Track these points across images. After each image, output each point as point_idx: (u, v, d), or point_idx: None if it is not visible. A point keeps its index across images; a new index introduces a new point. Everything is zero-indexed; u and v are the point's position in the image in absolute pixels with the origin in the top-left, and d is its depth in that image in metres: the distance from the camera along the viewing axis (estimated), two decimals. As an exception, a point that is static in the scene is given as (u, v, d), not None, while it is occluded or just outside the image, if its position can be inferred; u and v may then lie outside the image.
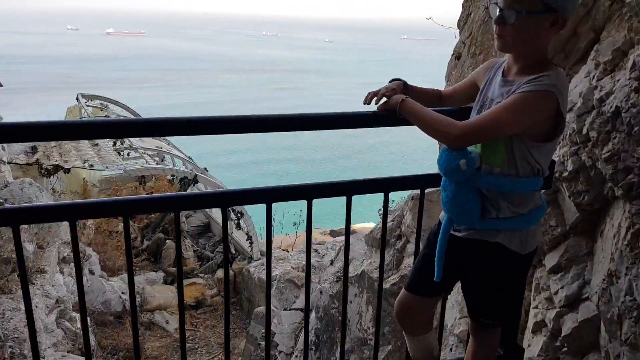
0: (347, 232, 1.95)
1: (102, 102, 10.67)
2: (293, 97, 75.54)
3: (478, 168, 1.64)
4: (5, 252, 4.12)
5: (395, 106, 1.70)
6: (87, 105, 9.93)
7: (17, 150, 7.49)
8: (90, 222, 7.54)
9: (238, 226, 7.58)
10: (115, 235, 8.26)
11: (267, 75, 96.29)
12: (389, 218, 4.01)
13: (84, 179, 8.74)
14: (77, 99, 10.21)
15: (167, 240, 7.98)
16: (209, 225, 9.05)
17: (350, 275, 4.21)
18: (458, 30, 3.53)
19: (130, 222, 7.80)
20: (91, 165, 6.06)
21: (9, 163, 5.68)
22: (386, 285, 3.60)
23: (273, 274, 6.78)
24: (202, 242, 8.85)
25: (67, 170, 6.17)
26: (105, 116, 9.12)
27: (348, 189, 1.83)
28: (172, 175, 6.50)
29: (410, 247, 3.67)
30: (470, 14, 3.31)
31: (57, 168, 6.00)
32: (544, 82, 1.49)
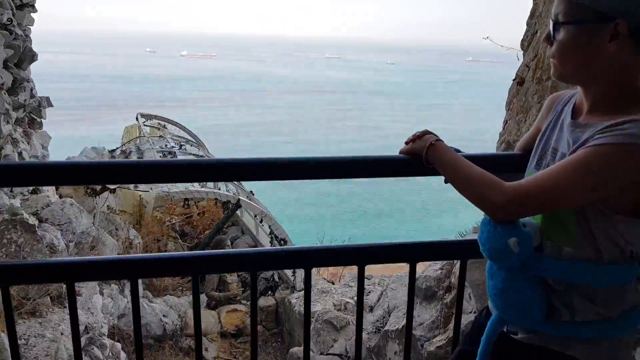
0: (359, 309, 1.52)
1: (160, 121, 10.91)
2: (353, 118, 75.72)
3: (538, 248, 1.16)
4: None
5: (422, 150, 1.27)
6: (144, 125, 10.15)
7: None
8: (137, 240, 7.52)
9: (280, 254, 7.30)
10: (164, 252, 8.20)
11: (328, 97, 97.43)
12: (437, 266, 3.50)
13: (140, 196, 8.83)
14: (137, 118, 10.48)
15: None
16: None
17: (391, 328, 3.72)
18: (521, 52, 3.04)
19: (180, 240, 7.65)
20: (135, 185, 5.97)
21: (54, 183, 5.71)
22: (431, 348, 3.07)
23: (313, 309, 6.38)
24: (247, 268, 8.62)
25: (113, 191, 6.14)
26: (160, 136, 9.24)
27: (359, 256, 1.42)
28: (216, 199, 6.33)
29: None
30: (537, 32, 2.82)
31: (104, 188, 5.96)
32: (629, 130, 1.01)
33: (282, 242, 6.78)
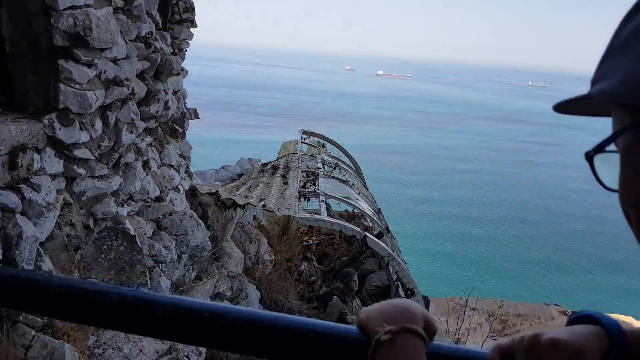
0: None
1: (320, 140, 10.97)
2: (552, 152, 68.30)
3: None
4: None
5: None
6: (303, 142, 10.27)
7: (223, 175, 8.08)
8: (268, 255, 7.46)
9: (407, 304, 6.43)
10: (294, 273, 8.03)
11: (525, 127, 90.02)
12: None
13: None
14: (299, 134, 10.71)
15: (333, 297, 7.32)
16: (389, 288, 8.08)
17: None
18: None
19: (315, 262, 7.33)
20: (264, 206, 5.84)
21: (191, 189, 5.90)
22: None
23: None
24: (377, 307, 7.92)
25: (243, 207, 6.13)
26: (312, 155, 9.20)
27: None
28: (340, 231, 5.85)
29: None
30: None
31: (234, 203, 5.99)
32: None
33: (409, 292, 5.95)
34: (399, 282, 6.30)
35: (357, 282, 7.37)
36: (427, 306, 8.99)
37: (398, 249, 7.75)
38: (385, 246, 5.91)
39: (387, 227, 7.51)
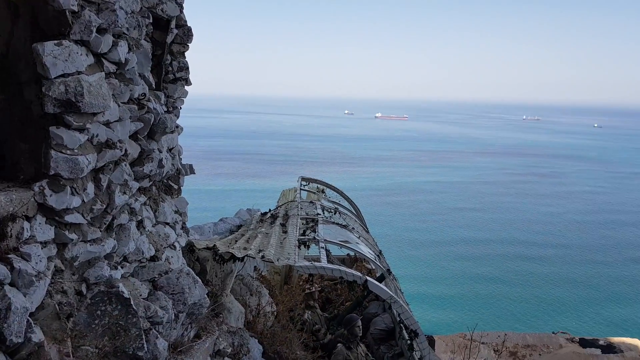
0: None
1: (319, 185, 10.98)
2: (549, 183, 68.23)
3: None
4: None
5: None
6: (302, 189, 10.27)
7: (222, 228, 8.01)
8: (270, 307, 7.29)
9: (410, 348, 6.19)
10: (297, 323, 7.81)
11: (521, 159, 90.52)
12: None
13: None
14: (298, 181, 10.72)
15: (338, 344, 7.10)
16: (394, 331, 7.85)
17: None
18: None
19: (319, 310, 7.18)
20: (263, 257, 5.76)
21: (188, 245, 5.83)
22: None
23: None
24: (383, 351, 7.65)
25: (242, 259, 6.04)
26: (311, 202, 9.16)
27: None
28: (341, 277, 5.74)
29: None
30: None
31: (232, 257, 5.91)
32: None
33: (412, 334, 5.76)
34: (402, 325, 6.13)
35: (361, 327, 7.18)
36: (432, 345, 8.73)
37: (400, 290, 7.60)
38: (387, 289, 5.78)
39: (388, 269, 7.39)
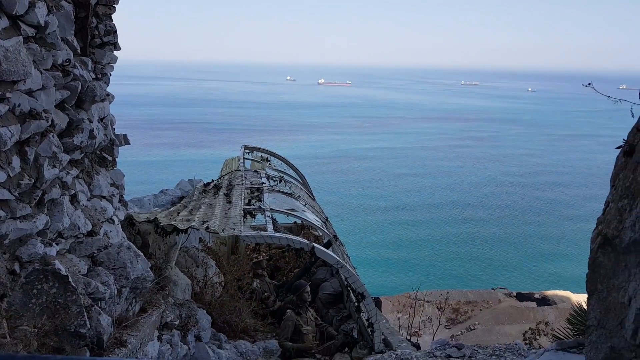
0: None
1: (263, 154, 10.87)
2: (486, 146, 71.31)
3: None
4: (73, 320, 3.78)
5: None
6: (245, 158, 10.13)
7: (163, 200, 7.81)
8: (217, 277, 7.26)
9: (358, 310, 6.43)
10: (246, 292, 7.85)
11: (462, 124, 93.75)
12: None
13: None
14: (241, 150, 10.55)
15: (287, 310, 7.23)
16: (342, 295, 8.08)
17: None
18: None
19: (267, 278, 7.22)
20: (207, 228, 5.69)
21: (128, 219, 5.66)
22: None
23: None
24: (331, 314, 7.88)
25: (185, 231, 5.94)
26: (255, 171, 9.09)
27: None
28: (288, 245, 5.80)
29: None
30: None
31: (175, 229, 5.79)
32: None
33: (359, 296, 5.97)
34: (349, 288, 6.33)
35: (309, 292, 7.33)
36: (379, 306, 9.09)
37: (347, 256, 7.80)
38: (334, 255, 5.91)
39: (335, 236, 7.53)
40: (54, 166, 3.76)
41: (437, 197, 44.01)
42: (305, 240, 5.80)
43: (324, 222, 8.22)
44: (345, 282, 6.27)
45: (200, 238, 8.63)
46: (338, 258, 5.81)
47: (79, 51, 4.32)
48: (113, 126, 5.25)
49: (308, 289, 7.26)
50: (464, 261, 31.32)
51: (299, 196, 8.28)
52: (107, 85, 4.99)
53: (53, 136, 3.74)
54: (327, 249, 6.85)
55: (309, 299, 7.35)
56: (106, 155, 4.95)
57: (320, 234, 8.21)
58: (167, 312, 5.81)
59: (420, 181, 50.01)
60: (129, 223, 5.71)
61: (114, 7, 5.24)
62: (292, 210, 7.26)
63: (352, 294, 6.29)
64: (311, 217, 7.36)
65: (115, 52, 5.21)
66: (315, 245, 5.76)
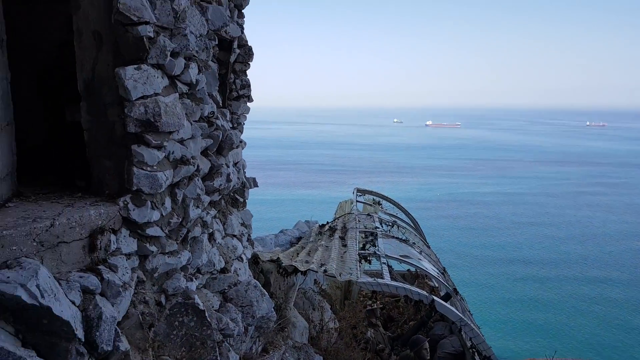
0: None
1: (375, 197, 10.91)
2: (619, 194, 64.03)
3: None
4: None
5: None
6: (358, 201, 10.25)
7: (282, 240, 8.13)
8: (332, 322, 7.27)
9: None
10: (360, 341, 7.72)
11: (588, 168, 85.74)
12: None
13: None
14: (354, 193, 10.71)
15: (403, 364, 6.95)
16: (464, 356, 7.58)
17: None
18: None
19: (381, 328, 7.08)
20: (325, 271, 5.79)
21: (253, 257, 5.96)
22: None
23: None
24: (451, 375, 7.40)
25: (304, 273, 6.09)
26: (368, 214, 9.13)
27: None
28: (406, 296, 5.63)
29: None
30: None
31: (295, 270, 5.97)
32: None
33: (485, 359, 5.53)
34: (474, 350, 5.90)
35: (428, 350, 6.95)
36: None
37: (469, 312, 7.32)
38: (455, 310, 5.61)
39: (454, 289, 7.16)
40: (198, 207, 4.13)
41: (564, 251, 40.02)
42: (425, 292, 5.60)
43: (442, 273, 7.90)
44: (469, 343, 5.85)
45: (315, 280, 8.77)
46: (461, 315, 5.51)
47: (220, 104, 4.78)
48: (244, 170, 5.66)
49: (427, 345, 6.88)
50: (601, 328, 27.65)
51: (413, 243, 8.11)
52: (242, 133, 5.43)
53: (198, 180, 4.14)
54: (446, 302, 6.53)
55: (429, 357, 6.95)
56: (238, 197, 5.32)
57: (437, 284, 7.87)
58: (287, 354, 5.90)
59: (542, 231, 45.97)
60: (254, 262, 6.01)
61: (249, 64, 5.76)
62: (407, 257, 7.11)
63: (477, 357, 5.84)
64: (428, 267, 7.13)
65: (248, 104, 5.68)
66: (435, 298, 5.54)
